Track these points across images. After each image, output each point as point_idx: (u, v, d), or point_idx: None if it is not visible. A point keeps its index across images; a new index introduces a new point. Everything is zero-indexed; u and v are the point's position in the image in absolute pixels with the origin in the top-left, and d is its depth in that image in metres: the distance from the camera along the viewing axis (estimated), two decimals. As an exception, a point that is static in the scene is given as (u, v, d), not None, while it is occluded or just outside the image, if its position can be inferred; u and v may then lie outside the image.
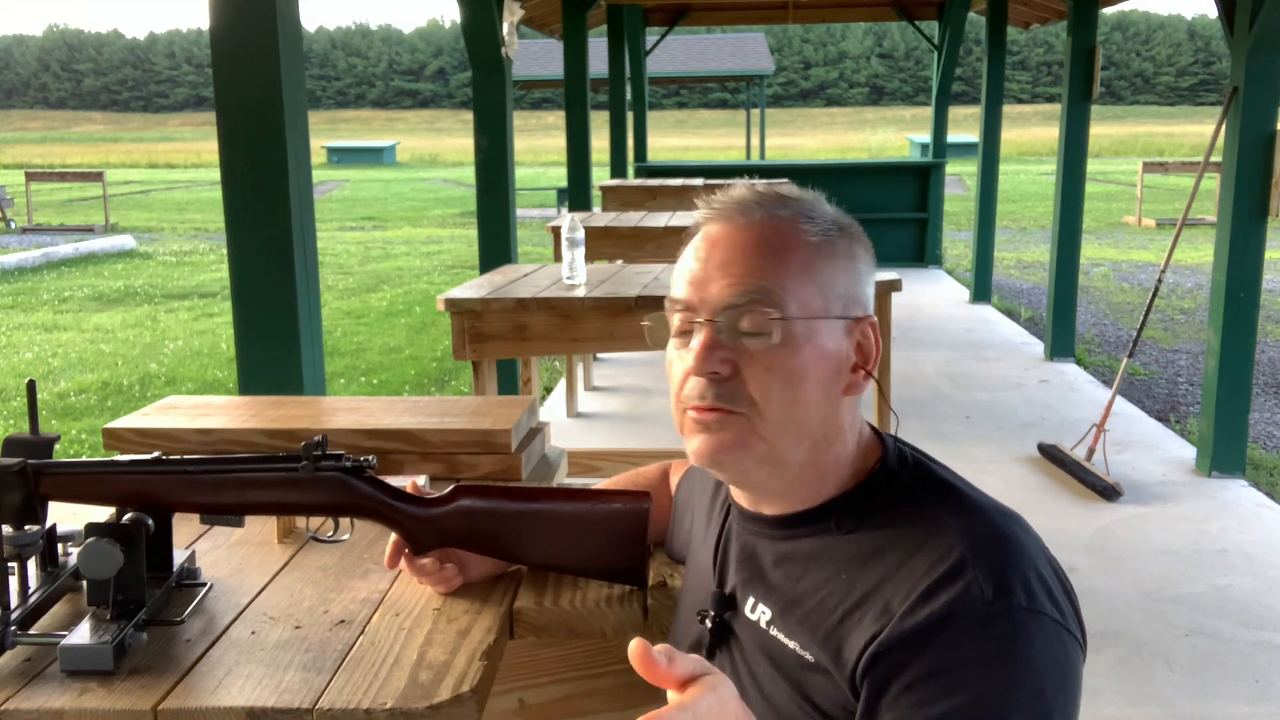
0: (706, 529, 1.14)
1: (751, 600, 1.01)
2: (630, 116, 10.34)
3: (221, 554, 1.30)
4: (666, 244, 5.23)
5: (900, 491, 0.97)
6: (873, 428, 1.04)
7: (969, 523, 0.91)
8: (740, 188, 1.03)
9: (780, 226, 0.98)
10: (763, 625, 0.98)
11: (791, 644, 0.94)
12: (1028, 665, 0.82)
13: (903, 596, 0.87)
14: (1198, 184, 4.86)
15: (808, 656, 0.92)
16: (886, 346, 3.46)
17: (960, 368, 6.52)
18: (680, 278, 1.00)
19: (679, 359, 0.99)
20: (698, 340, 0.95)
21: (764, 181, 1.08)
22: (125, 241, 14.56)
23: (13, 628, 1.02)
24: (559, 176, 21.91)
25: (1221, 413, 4.41)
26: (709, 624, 1.04)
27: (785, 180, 1.22)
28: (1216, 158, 4.64)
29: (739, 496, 1.05)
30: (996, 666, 0.82)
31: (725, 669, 1.02)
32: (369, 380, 6.91)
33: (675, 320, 0.99)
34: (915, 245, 10.87)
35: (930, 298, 9.02)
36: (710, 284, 0.96)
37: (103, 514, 1.16)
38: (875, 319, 1.00)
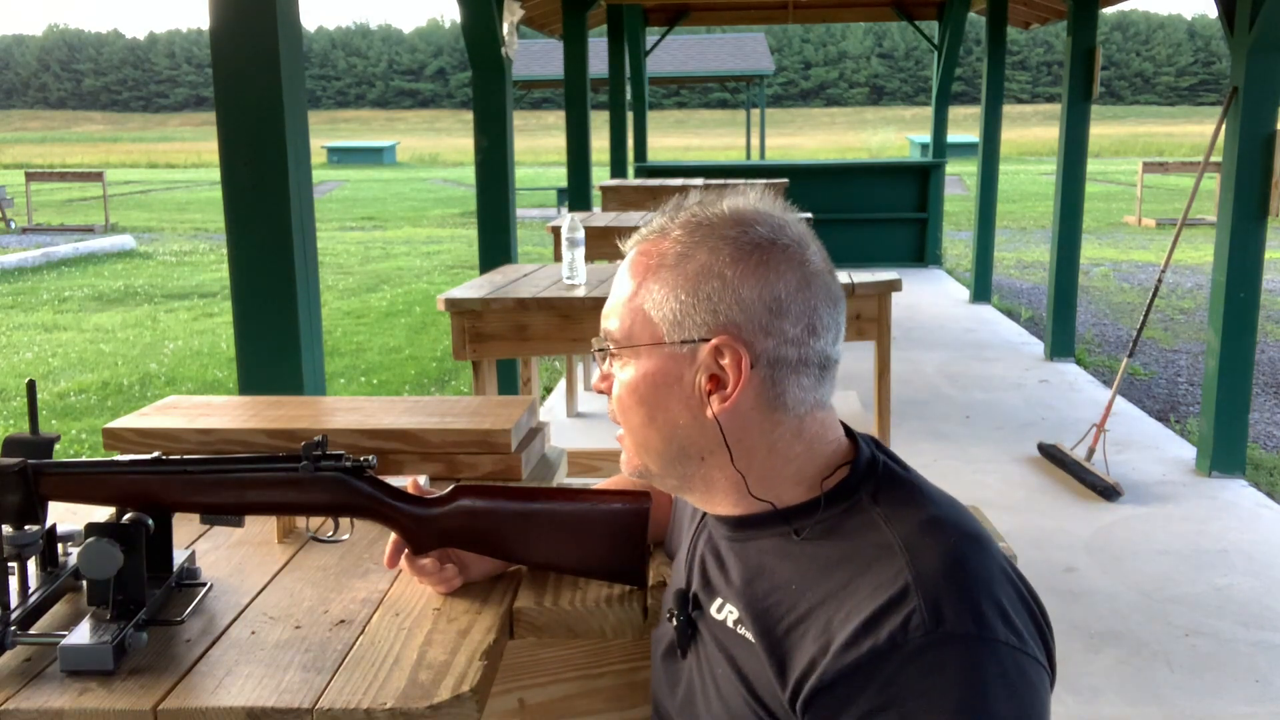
0: (688, 527, 1.15)
1: (719, 600, 1.01)
2: (630, 116, 10.34)
3: (221, 554, 1.30)
4: (666, 244, 5.22)
5: (861, 504, 0.94)
6: (850, 436, 1.02)
7: (920, 545, 0.88)
8: (665, 206, 1.03)
9: (642, 250, 1.02)
10: (730, 624, 0.98)
11: (755, 641, 0.94)
12: (978, 696, 0.80)
13: (843, 618, 0.86)
14: (1198, 184, 4.86)
15: (762, 655, 0.92)
16: (886, 346, 3.46)
17: (960, 368, 6.52)
18: None
19: None
20: None
21: (724, 183, 1.09)
22: (125, 241, 14.56)
23: (13, 628, 1.02)
24: (559, 176, 21.91)
25: (1221, 413, 4.41)
26: (674, 622, 1.05)
27: (742, 183, 1.21)
28: (1216, 158, 4.64)
29: (701, 504, 1.06)
30: (944, 699, 0.79)
31: (692, 668, 1.03)
32: (369, 380, 6.91)
33: None
34: (915, 245, 10.86)
35: (930, 298, 9.02)
36: None
37: (103, 514, 1.15)
38: (737, 342, 0.94)
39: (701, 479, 1.00)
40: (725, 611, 0.99)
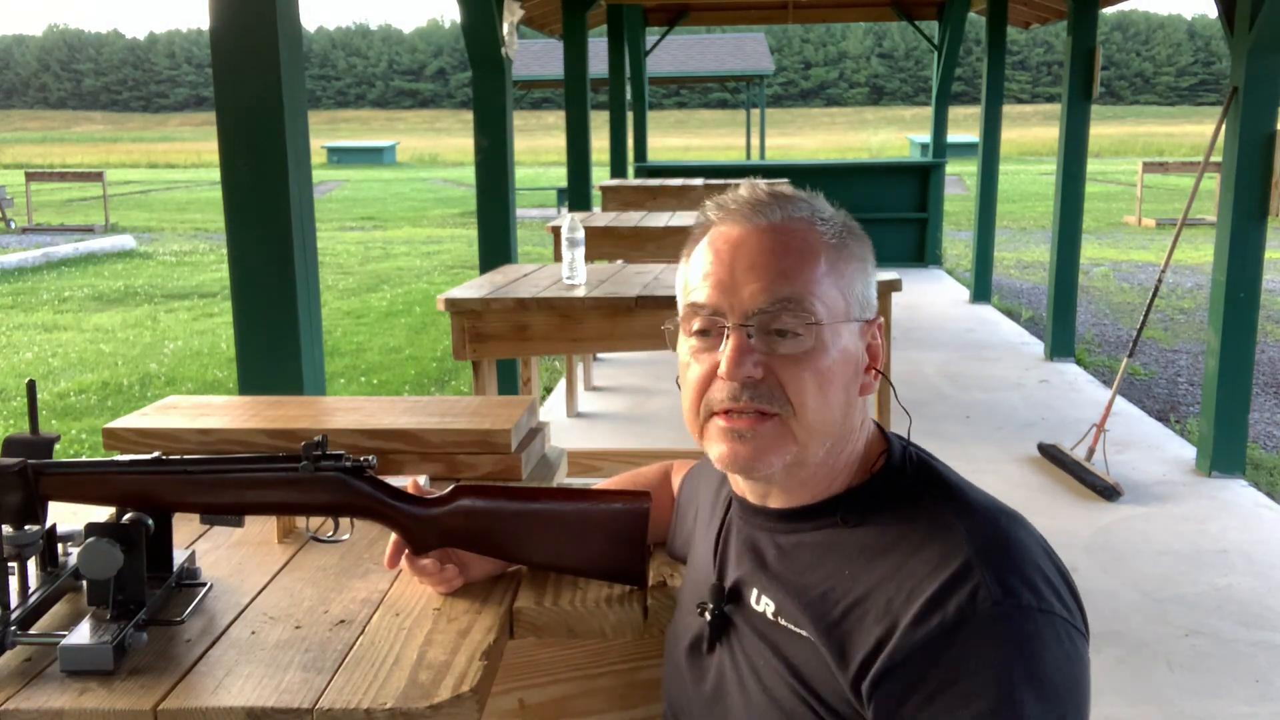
0: (709, 524, 1.14)
1: (755, 592, 1.01)
2: (630, 116, 10.33)
3: (221, 554, 1.29)
4: (666, 244, 5.23)
5: (905, 489, 0.97)
6: (878, 425, 1.05)
7: (973, 524, 0.91)
8: (748, 187, 1.02)
9: (800, 228, 0.98)
10: (769, 616, 0.98)
11: (801, 632, 0.94)
12: (1042, 665, 0.83)
13: (904, 598, 0.87)
14: (1198, 184, 4.86)
15: (815, 644, 0.93)
16: (887, 346, 3.46)
17: (960, 368, 6.52)
18: (700, 281, 0.98)
19: (698, 363, 0.98)
20: (728, 345, 0.95)
21: (765, 181, 1.07)
22: (125, 241, 14.56)
23: (13, 628, 1.02)
24: (559, 176, 21.91)
25: (1221, 413, 4.41)
26: (708, 616, 1.04)
27: (785, 180, 1.23)
28: (1216, 158, 4.64)
29: (745, 490, 1.05)
30: (1012, 669, 0.82)
31: (725, 661, 1.03)
32: (369, 380, 6.91)
33: (695, 324, 0.99)
34: (915, 245, 10.86)
35: (930, 298, 9.02)
36: (739, 288, 0.95)
37: (103, 514, 1.15)
38: (882, 320, 1.03)
39: (829, 464, 1.00)
40: (764, 604, 0.99)
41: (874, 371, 1.01)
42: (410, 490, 1.17)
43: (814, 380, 0.94)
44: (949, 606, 0.85)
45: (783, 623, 0.97)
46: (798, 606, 0.95)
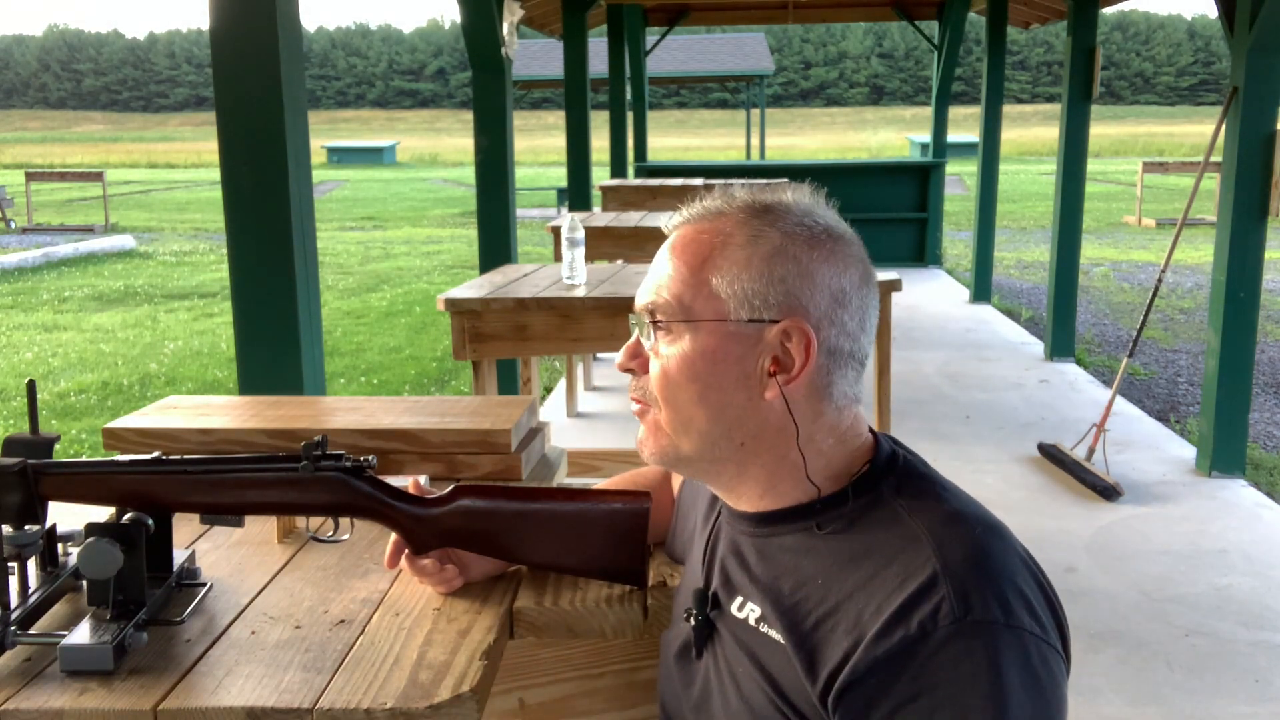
0: (702, 528, 1.14)
1: (740, 599, 1.01)
2: (630, 116, 10.34)
3: (221, 554, 1.29)
4: (666, 244, 5.22)
5: (883, 497, 0.95)
6: (872, 430, 1.03)
7: (945, 536, 0.89)
8: (711, 194, 1.04)
9: (703, 228, 1.00)
10: (752, 623, 0.98)
11: (777, 638, 0.94)
12: (1006, 682, 0.81)
13: (874, 610, 0.86)
14: (1198, 184, 4.86)
15: (788, 652, 0.92)
16: (886, 346, 3.46)
17: (960, 368, 6.52)
18: None
19: None
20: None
21: (766, 183, 1.07)
22: (125, 241, 14.56)
23: (13, 628, 1.02)
24: (559, 176, 21.91)
25: (1221, 413, 4.41)
26: (693, 622, 1.04)
27: (784, 181, 1.22)
28: (1216, 158, 4.64)
29: (725, 495, 1.05)
30: (974, 685, 0.81)
31: (709, 668, 1.03)
32: (369, 380, 6.91)
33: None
34: (915, 245, 10.87)
35: (930, 298, 9.02)
36: (642, 287, 1.03)
37: (103, 514, 1.15)
38: (807, 326, 0.95)
39: (735, 465, 0.98)
40: (747, 610, 0.99)
41: (779, 377, 0.95)
42: (410, 490, 1.17)
43: (667, 379, 0.98)
44: (912, 622, 0.84)
45: (763, 629, 0.96)
46: (774, 612, 0.95)
